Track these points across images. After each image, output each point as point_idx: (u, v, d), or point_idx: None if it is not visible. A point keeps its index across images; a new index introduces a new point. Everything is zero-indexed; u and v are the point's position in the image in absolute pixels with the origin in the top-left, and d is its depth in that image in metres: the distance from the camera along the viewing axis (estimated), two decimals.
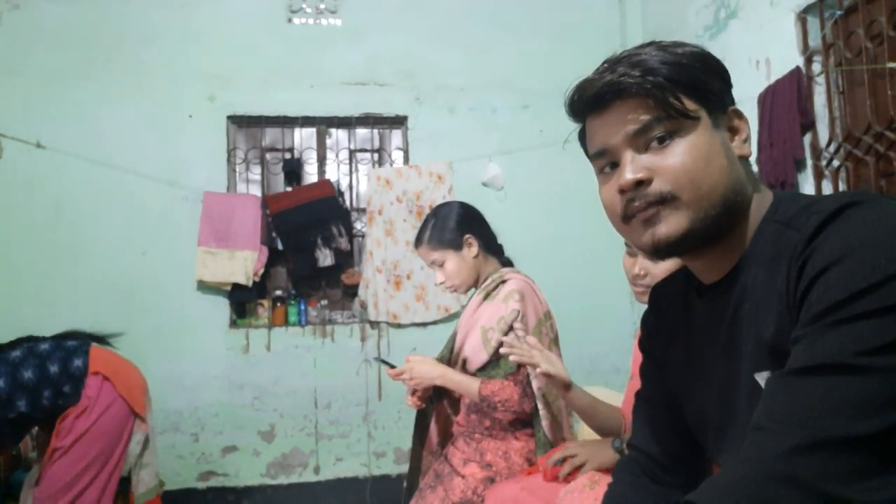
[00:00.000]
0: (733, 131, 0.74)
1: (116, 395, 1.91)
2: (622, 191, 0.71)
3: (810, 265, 0.59)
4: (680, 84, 0.69)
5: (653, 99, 0.68)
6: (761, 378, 0.66)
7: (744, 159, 0.74)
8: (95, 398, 1.87)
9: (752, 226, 0.72)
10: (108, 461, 1.90)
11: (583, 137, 0.80)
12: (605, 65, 0.73)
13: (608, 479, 0.97)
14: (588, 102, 0.74)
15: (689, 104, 0.69)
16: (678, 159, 0.68)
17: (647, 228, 0.70)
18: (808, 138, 2.30)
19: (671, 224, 0.69)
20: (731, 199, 0.69)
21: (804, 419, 0.53)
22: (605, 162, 0.74)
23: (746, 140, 0.74)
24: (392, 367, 1.74)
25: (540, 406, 1.61)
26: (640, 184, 0.69)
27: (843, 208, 0.60)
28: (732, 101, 0.75)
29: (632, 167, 0.70)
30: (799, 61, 2.31)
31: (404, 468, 1.94)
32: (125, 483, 2.03)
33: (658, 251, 0.71)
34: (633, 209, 0.71)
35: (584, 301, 3.39)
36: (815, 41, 2.30)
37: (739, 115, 0.75)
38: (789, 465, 0.53)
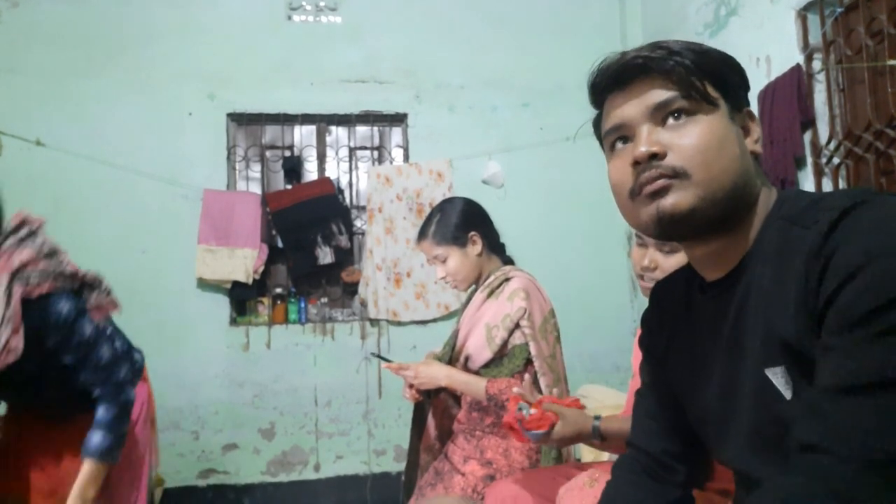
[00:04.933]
0: (746, 131, 0.75)
1: (150, 403, 1.93)
2: (636, 162, 0.71)
3: (833, 266, 0.59)
4: (703, 70, 0.71)
5: (676, 77, 0.70)
6: (772, 374, 0.66)
7: (754, 156, 0.75)
8: (139, 400, 1.88)
9: (757, 222, 0.72)
10: (141, 462, 1.90)
11: (597, 125, 0.81)
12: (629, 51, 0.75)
13: (608, 476, 0.97)
14: (612, 77, 0.75)
15: (710, 90, 0.71)
16: (693, 139, 0.69)
17: (653, 201, 0.71)
18: (808, 136, 2.29)
19: (678, 199, 0.69)
20: (739, 186, 0.70)
21: (864, 441, 0.54)
22: (619, 136, 0.75)
23: (758, 141, 0.76)
24: (389, 361, 1.74)
25: None
26: (653, 157, 0.70)
27: (854, 206, 0.60)
28: (748, 103, 0.77)
29: (647, 140, 0.71)
30: (799, 59, 2.31)
31: (404, 466, 1.94)
32: None
33: (662, 225, 0.71)
34: (643, 181, 0.71)
35: (585, 299, 3.38)
36: (815, 38, 2.29)
37: (752, 117, 0.76)
38: (853, 486, 0.54)
